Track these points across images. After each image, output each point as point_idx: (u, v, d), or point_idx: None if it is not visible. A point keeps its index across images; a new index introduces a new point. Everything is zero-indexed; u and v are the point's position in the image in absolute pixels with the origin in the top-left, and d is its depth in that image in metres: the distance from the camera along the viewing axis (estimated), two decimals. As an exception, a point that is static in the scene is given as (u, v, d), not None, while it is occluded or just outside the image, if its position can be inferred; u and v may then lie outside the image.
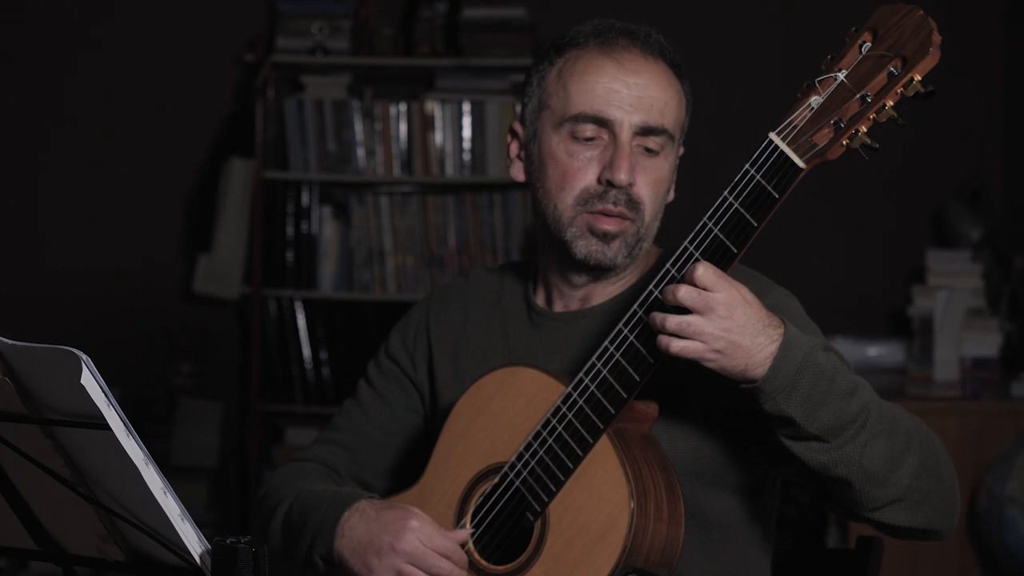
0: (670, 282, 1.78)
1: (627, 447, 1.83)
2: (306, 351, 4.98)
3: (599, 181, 1.95)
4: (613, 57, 1.96)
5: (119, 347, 5.02)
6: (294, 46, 4.95)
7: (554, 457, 1.84)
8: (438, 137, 4.97)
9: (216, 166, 5.04)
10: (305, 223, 4.99)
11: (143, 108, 5.13)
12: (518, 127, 2.06)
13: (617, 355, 1.82)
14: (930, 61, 1.70)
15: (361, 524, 1.90)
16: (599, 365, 1.83)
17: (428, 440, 2.07)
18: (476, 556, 1.90)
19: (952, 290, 4.11)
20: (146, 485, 1.53)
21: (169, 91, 5.12)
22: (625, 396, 1.81)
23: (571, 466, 1.83)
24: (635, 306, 1.81)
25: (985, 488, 3.79)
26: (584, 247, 1.97)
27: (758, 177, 1.76)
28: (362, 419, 2.16)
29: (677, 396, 1.91)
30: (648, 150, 1.96)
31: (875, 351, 4.42)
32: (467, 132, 4.96)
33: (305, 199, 4.99)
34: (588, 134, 1.96)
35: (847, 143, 1.73)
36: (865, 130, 1.73)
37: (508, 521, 1.88)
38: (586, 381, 1.83)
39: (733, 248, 1.77)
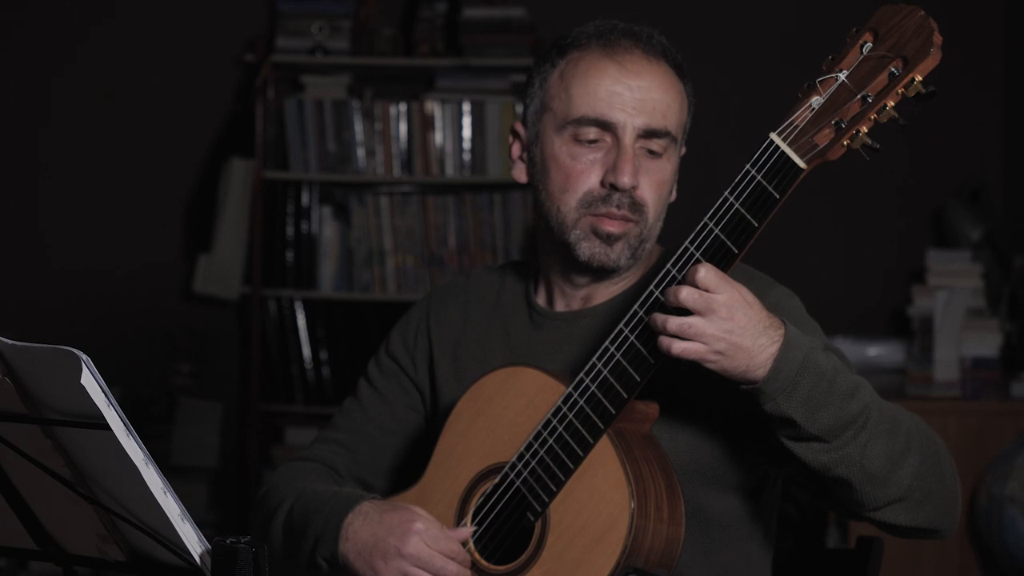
0: (671, 283, 1.78)
1: (628, 447, 1.83)
2: (306, 351, 4.98)
3: (602, 184, 1.95)
4: (615, 59, 1.96)
5: (119, 347, 5.02)
6: (294, 46, 4.95)
7: (555, 457, 1.84)
8: (438, 137, 4.97)
9: (216, 166, 5.04)
10: (305, 223, 4.99)
11: (143, 108, 5.13)
12: (520, 128, 2.06)
13: (618, 355, 1.82)
14: (931, 62, 1.70)
15: (365, 527, 1.90)
16: (600, 365, 1.83)
17: (428, 439, 2.07)
18: (476, 556, 1.90)
19: (952, 290, 4.11)
20: (146, 485, 1.53)
21: (169, 91, 5.12)
22: (626, 396, 1.81)
23: (571, 466, 1.83)
24: (636, 306, 1.81)
25: (985, 488, 3.79)
26: (588, 249, 1.97)
27: (759, 177, 1.76)
28: (362, 418, 2.16)
29: (678, 396, 1.91)
30: (651, 152, 1.96)
31: (875, 351, 4.42)
32: (467, 132, 4.96)
33: (305, 199, 4.99)
34: (591, 137, 1.96)
35: (848, 143, 1.73)
36: (866, 130, 1.73)
37: (508, 521, 1.88)
38: (587, 381, 1.83)
39: (734, 248, 1.77)
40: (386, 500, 1.97)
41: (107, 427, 1.52)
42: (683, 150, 2.04)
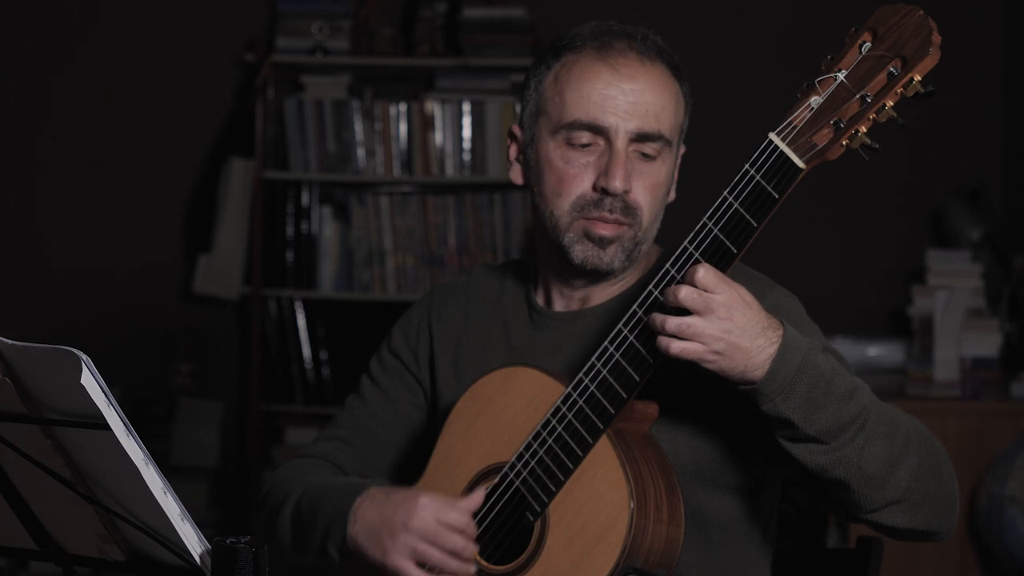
0: (669, 283, 1.79)
1: (627, 447, 1.83)
2: (306, 351, 4.98)
3: (595, 188, 1.95)
4: (609, 62, 1.96)
5: (119, 347, 5.02)
6: (294, 46, 4.95)
7: (554, 457, 1.84)
8: (438, 137, 4.97)
9: (216, 166, 5.04)
10: (305, 223, 4.99)
11: (143, 108, 5.13)
12: (517, 130, 2.06)
13: (617, 355, 1.82)
14: (930, 61, 1.70)
15: (372, 508, 1.90)
16: (599, 365, 1.83)
17: (430, 438, 2.07)
18: (476, 556, 1.90)
19: (952, 290, 4.11)
20: (146, 485, 1.53)
21: (169, 91, 5.13)
22: (625, 396, 1.82)
23: (571, 466, 1.83)
24: (635, 306, 1.81)
25: (985, 488, 3.79)
26: (581, 252, 1.97)
27: (758, 177, 1.76)
28: (365, 415, 2.16)
29: (676, 397, 1.91)
30: (644, 155, 1.96)
31: (875, 351, 4.42)
32: (467, 132, 4.96)
33: (305, 199, 4.99)
34: (584, 141, 1.96)
35: (847, 143, 1.73)
36: (865, 130, 1.73)
37: (508, 521, 1.88)
38: (586, 381, 1.83)
39: (733, 248, 1.77)
40: (393, 485, 1.97)
41: (107, 427, 1.52)
42: (682, 149, 2.03)
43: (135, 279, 5.15)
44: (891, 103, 1.71)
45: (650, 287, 1.81)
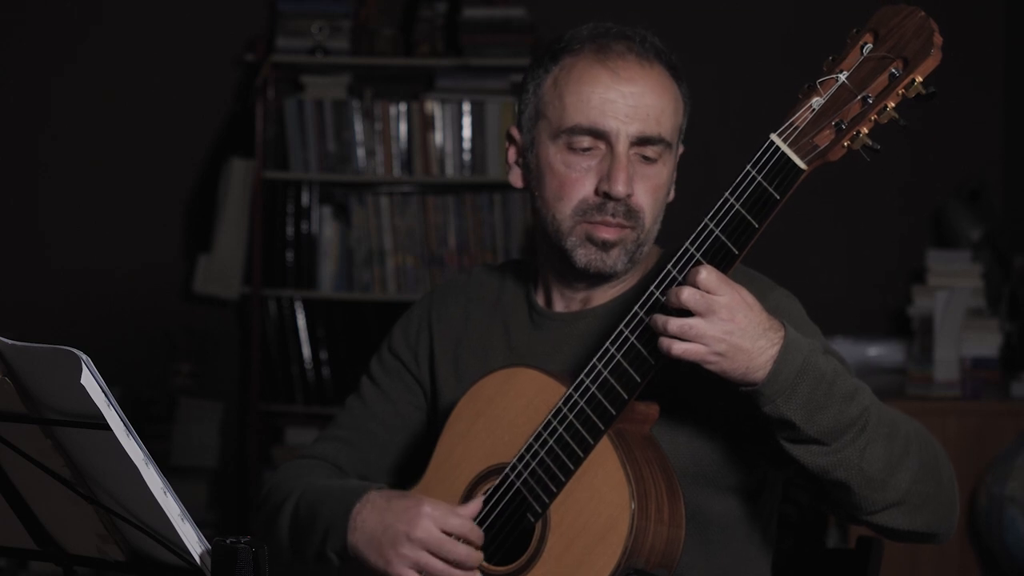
0: (671, 284, 1.78)
1: (628, 448, 1.83)
2: (306, 351, 4.98)
3: (597, 192, 1.95)
4: (608, 66, 1.95)
5: (119, 347, 5.02)
6: (294, 46, 4.95)
7: (555, 458, 1.84)
8: (438, 137, 4.97)
9: (216, 166, 5.04)
10: (305, 223, 4.99)
11: (143, 108, 5.13)
12: (515, 133, 2.05)
13: (618, 356, 1.82)
14: (931, 62, 1.70)
15: (373, 515, 1.90)
16: (600, 366, 1.83)
17: (430, 438, 2.07)
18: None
19: (952, 290, 4.11)
20: (146, 485, 1.53)
21: (169, 91, 5.12)
22: (626, 397, 1.81)
23: (572, 467, 1.83)
24: (636, 307, 1.81)
25: (985, 488, 3.79)
26: (584, 256, 1.97)
27: (759, 178, 1.76)
28: (365, 416, 2.16)
29: (678, 398, 1.91)
30: (645, 158, 1.96)
31: (875, 351, 4.42)
32: (467, 132, 4.96)
33: (305, 199, 4.99)
34: (584, 145, 1.95)
35: (848, 144, 1.73)
36: (866, 131, 1.73)
37: (509, 522, 1.88)
38: (587, 382, 1.83)
39: (734, 249, 1.77)
40: (392, 489, 1.97)
41: (107, 427, 1.52)
42: (681, 149, 2.03)
43: (135, 279, 5.15)
44: (892, 104, 1.71)
45: (651, 288, 1.80)
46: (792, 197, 1.76)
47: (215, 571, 1.51)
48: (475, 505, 1.89)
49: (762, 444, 1.86)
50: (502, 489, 1.88)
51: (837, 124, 1.73)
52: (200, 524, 1.59)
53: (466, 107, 4.96)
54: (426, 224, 4.96)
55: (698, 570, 1.94)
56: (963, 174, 4.94)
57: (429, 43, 4.98)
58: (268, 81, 4.97)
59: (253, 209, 4.97)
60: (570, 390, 1.85)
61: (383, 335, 2.24)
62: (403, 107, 4.96)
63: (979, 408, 3.99)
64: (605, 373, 1.82)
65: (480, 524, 1.90)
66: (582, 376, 1.84)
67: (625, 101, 1.94)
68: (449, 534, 1.86)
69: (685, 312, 1.75)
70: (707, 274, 1.74)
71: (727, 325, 1.74)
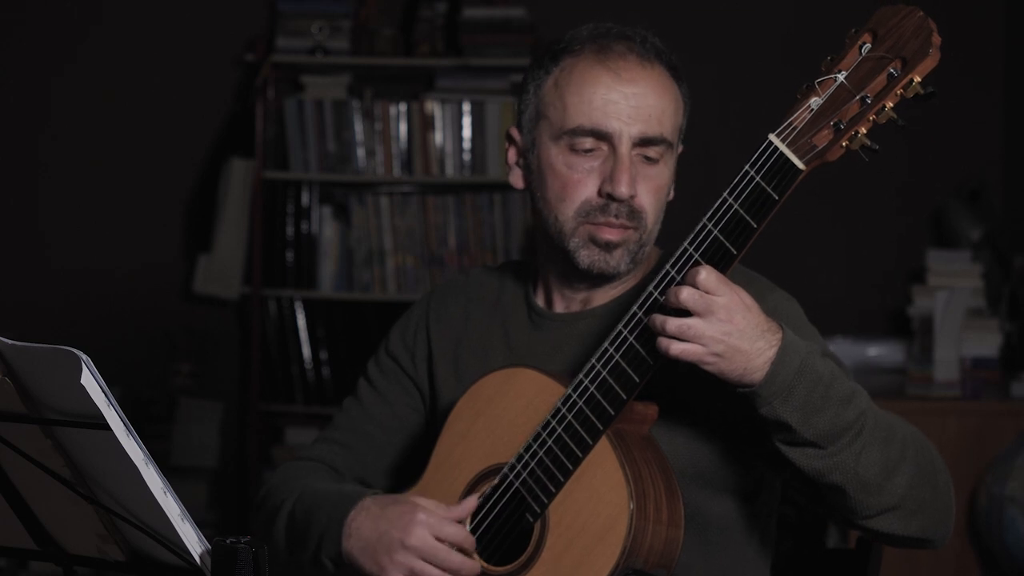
0: (669, 284, 1.79)
1: (627, 448, 1.83)
2: (306, 351, 4.98)
3: (600, 193, 1.95)
4: (609, 66, 1.95)
5: (119, 347, 5.02)
6: (294, 46, 4.95)
7: (554, 458, 1.84)
8: (438, 137, 4.97)
9: (216, 166, 5.04)
10: (305, 223, 4.99)
11: (143, 108, 5.13)
12: (515, 134, 2.05)
13: (617, 356, 1.82)
14: (930, 62, 1.70)
15: (368, 522, 1.90)
16: (599, 366, 1.83)
17: (428, 439, 2.07)
18: (476, 557, 1.90)
19: (952, 290, 4.11)
20: (146, 485, 1.53)
21: (169, 91, 5.13)
22: (624, 398, 1.81)
23: (570, 467, 1.83)
24: (635, 308, 1.81)
25: (985, 488, 3.79)
26: (587, 257, 1.96)
27: (758, 178, 1.76)
28: (362, 418, 2.16)
29: (676, 398, 1.91)
30: (647, 159, 1.96)
31: (875, 351, 4.42)
32: (467, 132, 4.96)
33: (305, 199, 4.99)
34: (587, 146, 1.95)
35: (847, 144, 1.73)
36: (865, 131, 1.73)
37: (508, 522, 1.88)
38: (585, 382, 1.83)
39: (733, 249, 1.77)
40: (388, 494, 1.97)
41: (107, 427, 1.52)
42: (680, 148, 2.03)
43: (135, 279, 5.15)
44: (891, 104, 1.71)
45: (650, 288, 1.81)
46: (791, 197, 1.76)
47: (215, 571, 1.51)
48: (469, 504, 1.89)
49: (760, 445, 1.86)
50: (501, 489, 1.89)
51: (836, 124, 1.73)
52: (200, 524, 1.59)
53: (466, 107, 4.96)
54: (426, 224, 4.96)
55: (697, 571, 1.94)
56: (962, 174, 4.94)
57: (429, 43, 4.98)
58: (268, 81, 4.97)
59: (253, 209, 4.97)
60: (569, 390, 1.85)
61: (383, 335, 2.24)
62: (403, 107, 4.96)
63: (979, 408, 3.99)
64: (604, 373, 1.82)
65: (479, 524, 1.90)
66: (581, 376, 1.84)
67: (627, 102, 1.94)
68: (443, 541, 1.86)
69: (684, 312, 1.75)
70: (706, 274, 1.74)
71: (725, 326, 1.74)
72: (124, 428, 1.53)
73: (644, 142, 1.94)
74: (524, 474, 1.86)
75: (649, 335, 1.78)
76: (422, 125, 4.96)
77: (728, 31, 5.04)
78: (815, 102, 1.74)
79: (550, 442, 1.85)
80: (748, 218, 1.76)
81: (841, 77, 1.73)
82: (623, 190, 1.92)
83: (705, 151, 4.38)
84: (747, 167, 1.76)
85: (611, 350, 1.82)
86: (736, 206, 1.76)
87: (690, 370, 1.78)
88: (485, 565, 1.89)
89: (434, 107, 4.96)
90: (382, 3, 5.05)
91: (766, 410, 1.77)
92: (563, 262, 2.01)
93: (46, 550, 1.71)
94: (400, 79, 5.09)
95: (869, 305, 4.97)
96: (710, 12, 5.04)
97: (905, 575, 3.80)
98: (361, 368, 2.22)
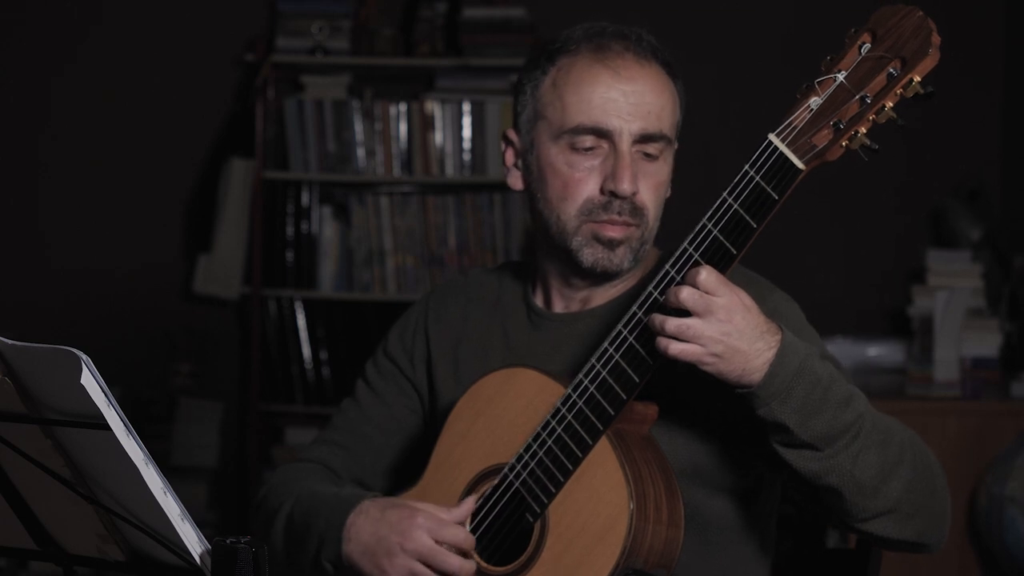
0: (669, 284, 1.79)
1: (627, 448, 1.83)
2: (306, 351, 4.98)
3: (602, 191, 1.95)
4: (607, 65, 1.95)
5: (119, 347, 5.02)
6: (294, 46, 4.95)
7: (554, 459, 1.84)
8: (438, 137, 4.97)
9: (216, 166, 5.04)
10: (305, 223, 4.99)
11: (143, 108, 5.13)
12: (513, 135, 2.05)
13: (616, 356, 1.82)
14: (930, 62, 1.70)
15: (367, 526, 1.90)
16: (598, 366, 1.83)
17: (427, 440, 2.07)
18: (476, 557, 1.90)
19: (952, 290, 4.11)
20: (146, 485, 1.53)
21: (169, 91, 5.12)
22: (624, 397, 1.82)
23: (570, 467, 1.83)
24: (635, 308, 1.81)
25: (985, 488, 3.79)
26: (591, 255, 1.97)
27: (757, 178, 1.76)
28: (360, 419, 2.16)
29: (675, 398, 1.91)
30: (647, 155, 1.96)
31: (875, 351, 4.42)
32: (467, 132, 4.96)
33: (305, 199, 4.99)
34: (587, 144, 1.95)
35: (846, 144, 1.73)
36: (864, 131, 1.73)
37: (508, 522, 1.88)
38: (585, 383, 1.83)
39: (732, 249, 1.77)
40: (386, 497, 1.97)
41: (107, 427, 1.52)
42: (676, 145, 2.03)
43: (135, 279, 5.15)
44: (891, 104, 1.71)
45: (650, 288, 1.81)
46: (790, 197, 1.76)
47: (215, 571, 1.51)
48: (468, 507, 1.89)
49: (760, 446, 1.86)
50: (501, 489, 1.89)
51: (835, 124, 1.73)
52: (200, 524, 1.59)
53: (466, 107, 4.96)
54: (426, 224, 4.96)
55: (697, 571, 1.94)
56: (962, 174, 4.94)
57: (429, 43, 4.98)
58: (268, 81, 4.97)
59: (253, 209, 4.97)
60: (569, 390, 1.85)
61: (383, 335, 2.24)
62: (403, 107, 4.96)
63: (979, 408, 3.99)
64: (604, 373, 1.82)
65: (478, 524, 1.90)
66: (580, 376, 1.84)
67: (626, 99, 1.94)
68: (443, 544, 1.86)
69: (684, 312, 1.75)
70: (707, 275, 1.74)
71: (725, 326, 1.74)
72: (124, 428, 1.53)
73: (644, 139, 1.95)
74: (524, 474, 1.86)
75: (649, 335, 1.78)
76: (422, 125, 4.96)
77: (728, 31, 5.04)
78: (815, 102, 1.74)
79: (550, 442, 1.85)
80: (748, 218, 1.76)
81: (841, 77, 1.73)
82: (626, 187, 1.93)
83: (705, 151, 4.39)
84: (747, 167, 1.77)
85: (611, 350, 1.82)
86: (736, 206, 1.76)
87: (690, 370, 1.78)
88: (485, 565, 1.89)
89: (434, 107, 4.96)
90: (382, 3, 5.05)
91: (764, 411, 1.77)
92: (565, 261, 2.01)
93: (46, 550, 1.71)
94: (400, 79, 5.09)
95: (869, 305, 4.97)
96: (710, 12, 5.04)
97: (905, 575, 3.80)
98: (359, 369, 2.22)
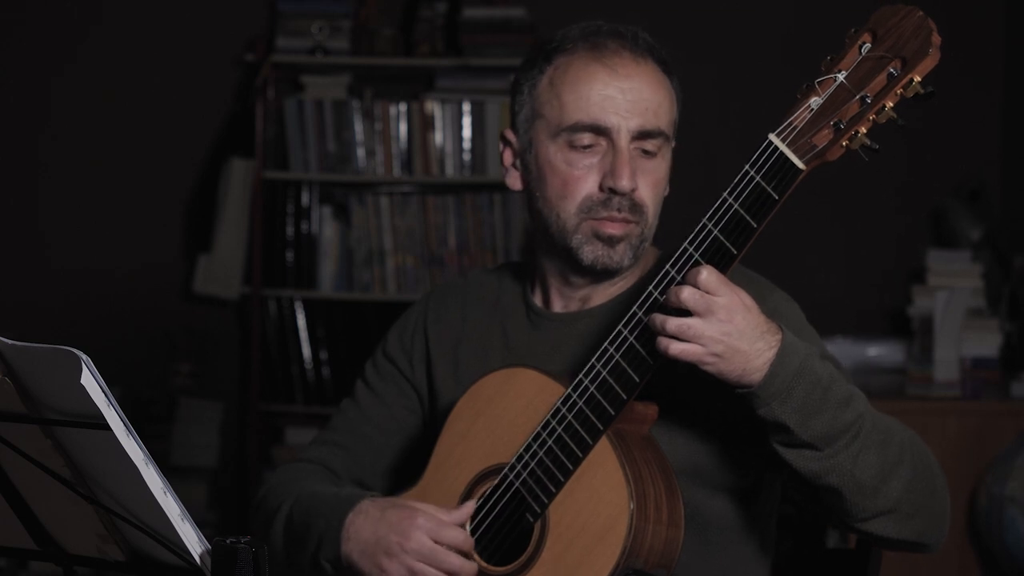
0: (669, 284, 1.79)
1: (627, 448, 1.83)
2: (306, 351, 4.98)
3: (601, 188, 1.95)
4: (604, 62, 1.96)
5: (119, 347, 5.02)
6: (294, 46, 4.95)
7: (554, 459, 1.84)
8: (438, 137, 4.97)
9: (216, 166, 5.04)
10: (305, 223, 4.99)
11: (143, 108, 5.13)
12: (510, 135, 2.05)
13: (617, 356, 1.82)
14: (930, 62, 1.70)
15: (367, 525, 1.90)
16: (599, 366, 1.83)
17: (427, 440, 2.07)
18: (476, 557, 1.90)
19: (952, 290, 4.11)
20: (146, 485, 1.53)
21: (169, 91, 5.12)
22: (625, 397, 1.82)
23: (571, 467, 1.83)
24: (635, 307, 1.81)
25: (985, 488, 3.79)
26: (591, 252, 1.97)
27: (758, 178, 1.76)
28: (359, 420, 2.16)
29: (676, 398, 1.91)
30: (645, 152, 1.96)
31: (875, 351, 4.42)
32: (467, 132, 4.96)
33: (305, 199, 4.99)
34: (586, 142, 1.96)
35: (847, 144, 1.73)
36: (865, 131, 1.73)
37: (508, 522, 1.88)
38: (585, 382, 1.83)
39: (733, 249, 1.77)
40: (386, 497, 1.97)
41: (107, 427, 1.52)
42: (672, 143, 2.04)
43: (135, 279, 5.15)
44: (891, 104, 1.71)
45: (650, 288, 1.81)
46: (791, 197, 1.76)
47: (215, 571, 1.51)
48: (468, 508, 1.89)
49: (760, 446, 1.86)
50: (501, 489, 1.89)
51: (835, 124, 1.73)
52: (200, 524, 1.59)
53: (466, 107, 4.96)
54: (426, 224, 4.96)
55: (697, 571, 1.94)
56: (962, 174, 4.94)
57: (429, 43, 4.98)
58: (268, 81, 4.97)
59: (253, 209, 4.97)
60: (569, 390, 1.85)
61: (383, 335, 2.24)
62: (403, 107, 4.96)
63: (979, 408, 3.99)
64: (604, 373, 1.82)
65: (479, 524, 1.90)
66: (580, 376, 1.84)
67: (624, 96, 1.95)
68: (442, 545, 1.86)
69: (684, 312, 1.75)
70: (707, 274, 1.74)
71: (725, 326, 1.74)
72: (124, 428, 1.53)
73: (642, 135, 1.95)
74: (524, 474, 1.86)
75: (649, 335, 1.78)
76: (422, 125, 4.96)
77: (728, 31, 5.04)
78: (815, 102, 1.74)
79: (550, 442, 1.85)
80: (748, 218, 1.76)
81: (841, 77, 1.73)
82: (625, 183, 1.93)
83: (705, 151, 4.39)
84: (747, 167, 1.77)
85: (611, 350, 1.82)
86: (736, 206, 1.76)
87: (690, 370, 1.78)
88: (485, 565, 1.89)
89: (434, 107, 4.96)
90: (382, 3, 5.05)
91: (764, 411, 1.77)
92: (565, 260, 2.01)
93: (46, 550, 1.71)
94: (400, 79, 5.09)
95: (869, 305, 4.97)
96: (710, 12, 5.03)
97: (905, 575, 3.80)
98: (358, 370, 2.22)
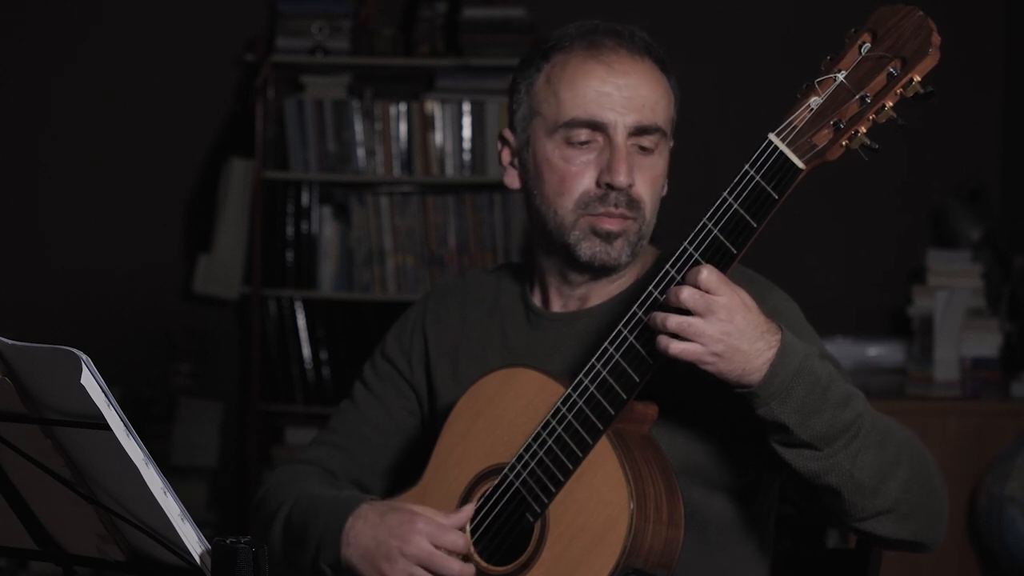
0: (669, 283, 1.79)
1: (627, 448, 1.83)
2: (306, 351, 4.98)
3: (598, 184, 1.95)
4: (601, 60, 1.96)
5: (119, 347, 5.02)
6: (294, 46, 4.95)
7: (554, 458, 1.84)
8: (438, 137, 4.97)
9: (216, 166, 5.04)
10: (305, 223, 4.99)
11: (143, 108, 5.13)
12: (508, 134, 2.06)
13: (617, 356, 1.82)
14: (930, 62, 1.70)
15: (367, 530, 1.90)
16: (598, 366, 1.83)
17: (426, 441, 2.07)
18: (476, 557, 1.90)
19: (952, 290, 4.11)
20: (146, 485, 1.53)
21: (169, 91, 5.13)
22: (624, 397, 1.82)
23: (571, 467, 1.83)
24: (635, 307, 1.81)
25: (985, 488, 3.79)
26: (588, 249, 1.97)
27: (758, 178, 1.76)
28: (358, 421, 2.16)
29: (675, 398, 1.91)
30: (643, 148, 1.97)
31: (875, 351, 4.42)
32: (467, 132, 4.96)
33: (305, 199, 4.99)
34: (583, 138, 1.96)
35: (846, 144, 1.73)
36: (864, 131, 1.73)
37: (508, 522, 1.88)
38: (585, 382, 1.83)
39: (733, 249, 1.77)
40: (385, 501, 1.97)
41: (107, 427, 1.52)
42: (671, 143, 2.04)
43: (135, 279, 5.15)
44: (891, 104, 1.71)
45: (650, 288, 1.81)
46: (790, 197, 1.76)
47: (215, 571, 1.51)
48: (467, 511, 1.90)
49: (759, 445, 1.86)
50: (501, 489, 1.89)
51: (835, 124, 1.73)
52: (200, 524, 1.59)
53: (466, 107, 4.96)
54: (426, 224, 4.96)
55: (696, 570, 1.94)
56: (962, 174, 4.94)
57: (429, 43, 4.98)
58: (268, 81, 4.97)
59: (253, 209, 4.97)
60: (569, 390, 1.85)
61: (383, 335, 2.24)
62: (403, 107, 4.96)
63: (979, 408, 3.99)
64: (604, 373, 1.82)
65: (479, 524, 1.90)
66: (580, 376, 1.84)
67: (620, 93, 1.95)
68: (442, 549, 1.86)
69: (684, 312, 1.75)
70: (708, 274, 1.74)
71: (725, 326, 1.74)
72: (124, 428, 1.53)
73: (639, 131, 1.95)
74: (524, 474, 1.86)
75: (649, 335, 1.79)
76: (422, 125, 4.96)
77: (728, 31, 5.04)
78: (815, 102, 1.74)
79: (550, 442, 1.85)
80: (748, 218, 1.76)
81: (841, 77, 1.73)
82: (621, 179, 1.93)
83: (705, 151, 4.39)
84: (747, 167, 1.77)
85: (611, 350, 1.82)
86: (736, 206, 1.77)
87: (690, 370, 1.78)
88: (485, 565, 1.89)
89: (434, 107, 4.97)
90: (382, 3, 5.05)
91: (764, 411, 1.77)
92: (563, 257, 2.01)
93: (46, 550, 1.71)
94: (400, 79, 5.09)
95: (869, 305, 4.97)
96: (710, 12, 5.04)
97: (905, 575, 3.80)
98: (357, 371, 2.22)
